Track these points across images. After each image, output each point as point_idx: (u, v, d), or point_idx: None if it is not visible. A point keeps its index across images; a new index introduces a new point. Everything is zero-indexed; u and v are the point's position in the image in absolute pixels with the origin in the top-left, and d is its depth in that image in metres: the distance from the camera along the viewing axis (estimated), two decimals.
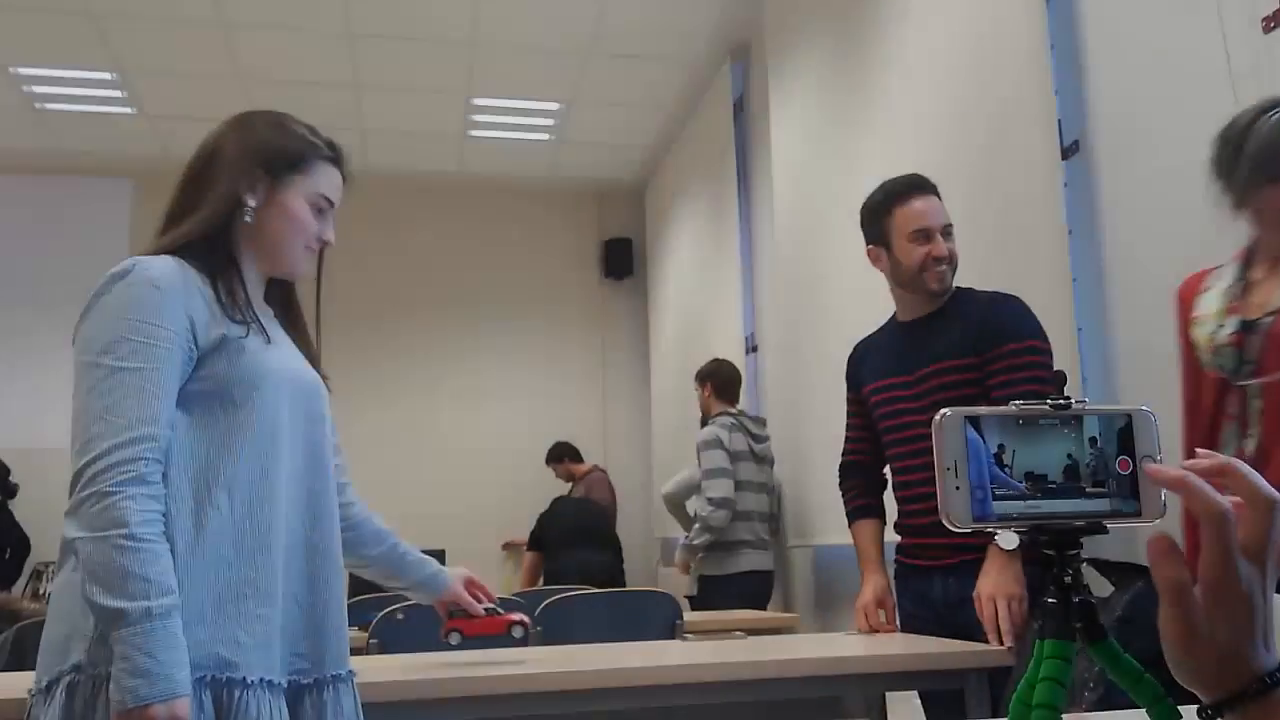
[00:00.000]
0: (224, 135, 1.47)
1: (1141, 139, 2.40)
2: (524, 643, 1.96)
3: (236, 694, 1.26)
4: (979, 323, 2.11)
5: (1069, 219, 2.51)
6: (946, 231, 2.19)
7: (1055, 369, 2.16)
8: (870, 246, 2.30)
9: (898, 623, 2.34)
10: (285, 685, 1.35)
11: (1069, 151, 2.60)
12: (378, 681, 1.83)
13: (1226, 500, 0.58)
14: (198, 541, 1.28)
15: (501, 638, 1.92)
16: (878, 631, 2.34)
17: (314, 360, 1.53)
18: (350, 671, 1.45)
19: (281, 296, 1.55)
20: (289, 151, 1.48)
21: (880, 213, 2.26)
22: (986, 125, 2.89)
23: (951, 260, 2.19)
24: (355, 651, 2.67)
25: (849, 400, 2.41)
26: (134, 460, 1.22)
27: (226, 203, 1.42)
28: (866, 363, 2.35)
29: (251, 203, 1.43)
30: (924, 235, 2.18)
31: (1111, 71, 2.52)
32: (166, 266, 1.33)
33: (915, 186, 2.23)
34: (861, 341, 2.42)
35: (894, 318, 2.34)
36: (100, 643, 1.21)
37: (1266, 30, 2.01)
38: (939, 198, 2.22)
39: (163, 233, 1.42)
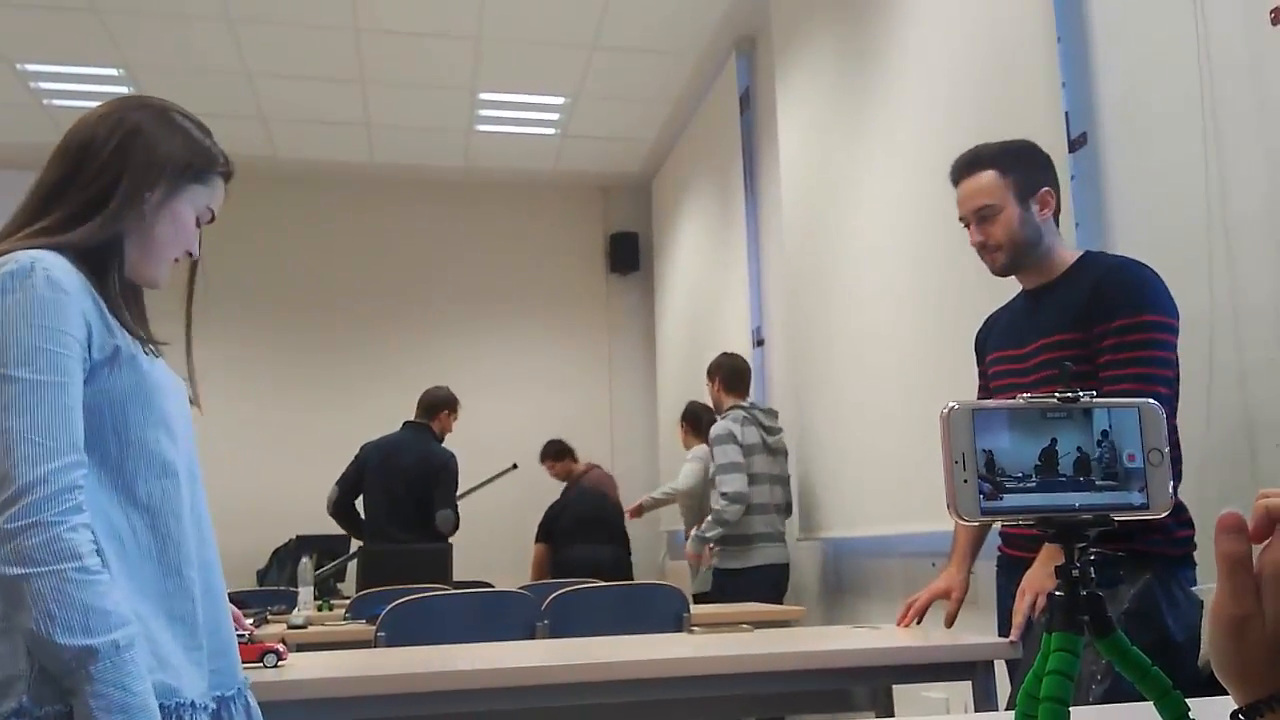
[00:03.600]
0: (130, 127, 1.34)
1: (1149, 132, 2.40)
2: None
3: (185, 718, 1.22)
4: (1090, 294, 1.90)
5: (1076, 212, 2.50)
6: (981, 215, 2.02)
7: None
8: None
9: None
10: (214, 705, 1.31)
11: (1076, 144, 2.59)
12: (385, 674, 1.84)
13: None
14: (112, 570, 1.19)
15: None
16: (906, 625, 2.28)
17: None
18: (245, 678, 1.41)
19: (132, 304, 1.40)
20: (195, 165, 1.38)
21: None
22: (993, 117, 2.88)
23: (997, 243, 2.02)
24: (363, 644, 2.69)
25: (978, 373, 2.25)
26: (72, 488, 1.14)
27: (133, 206, 1.30)
28: (993, 333, 2.19)
29: (149, 203, 1.32)
30: (964, 222, 2.08)
31: (1119, 64, 2.51)
32: (65, 266, 1.22)
33: (957, 169, 2.09)
34: (990, 315, 2.24)
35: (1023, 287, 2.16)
36: (43, 681, 1.13)
37: (1275, 22, 2.00)
38: (992, 168, 2.03)
39: (37, 215, 1.28)
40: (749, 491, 4.01)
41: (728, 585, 4.06)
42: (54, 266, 1.20)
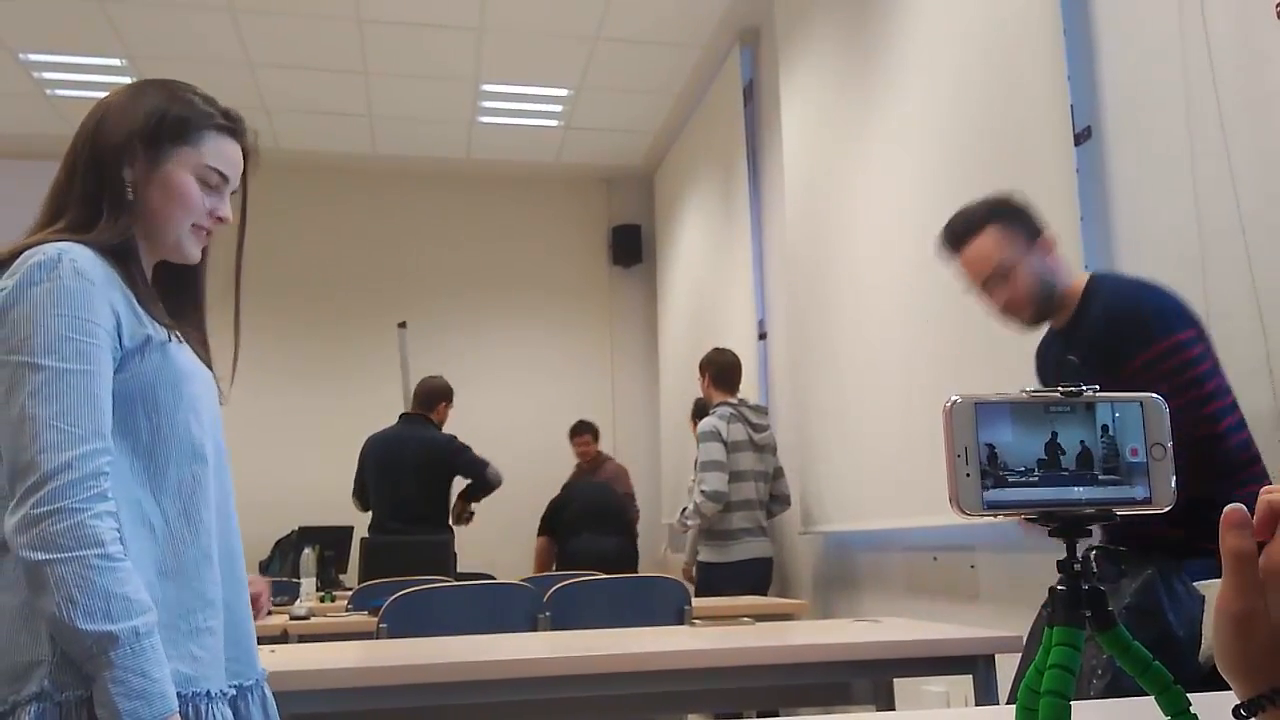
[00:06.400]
0: (108, 109, 1.33)
1: (1154, 125, 2.39)
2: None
3: (202, 708, 1.22)
4: (1101, 342, 1.85)
5: (1081, 205, 2.50)
6: (995, 277, 1.94)
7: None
8: None
9: None
10: (233, 693, 1.31)
11: (1081, 137, 2.58)
12: (387, 665, 1.84)
13: None
14: (138, 558, 1.20)
15: None
16: None
17: (203, 348, 1.42)
18: (264, 670, 1.41)
19: (177, 282, 1.40)
20: (169, 119, 1.32)
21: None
22: (999, 111, 2.87)
23: (1010, 308, 1.96)
24: (365, 635, 2.70)
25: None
26: (97, 475, 1.15)
27: (119, 192, 1.29)
28: (1047, 360, 2.11)
29: (129, 177, 1.29)
30: (973, 290, 2.01)
31: (1124, 57, 2.51)
32: (92, 258, 1.23)
33: (951, 239, 2.01)
34: (1045, 336, 2.13)
35: None
36: (64, 667, 1.14)
37: None
38: (991, 224, 1.95)
39: (54, 216, 1.29)
40: (729, 490, 4.10)
41: (711, 578, 4.14)
42: (81, 258, 1.21)
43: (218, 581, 1.29)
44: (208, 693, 1.24)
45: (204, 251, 1.42)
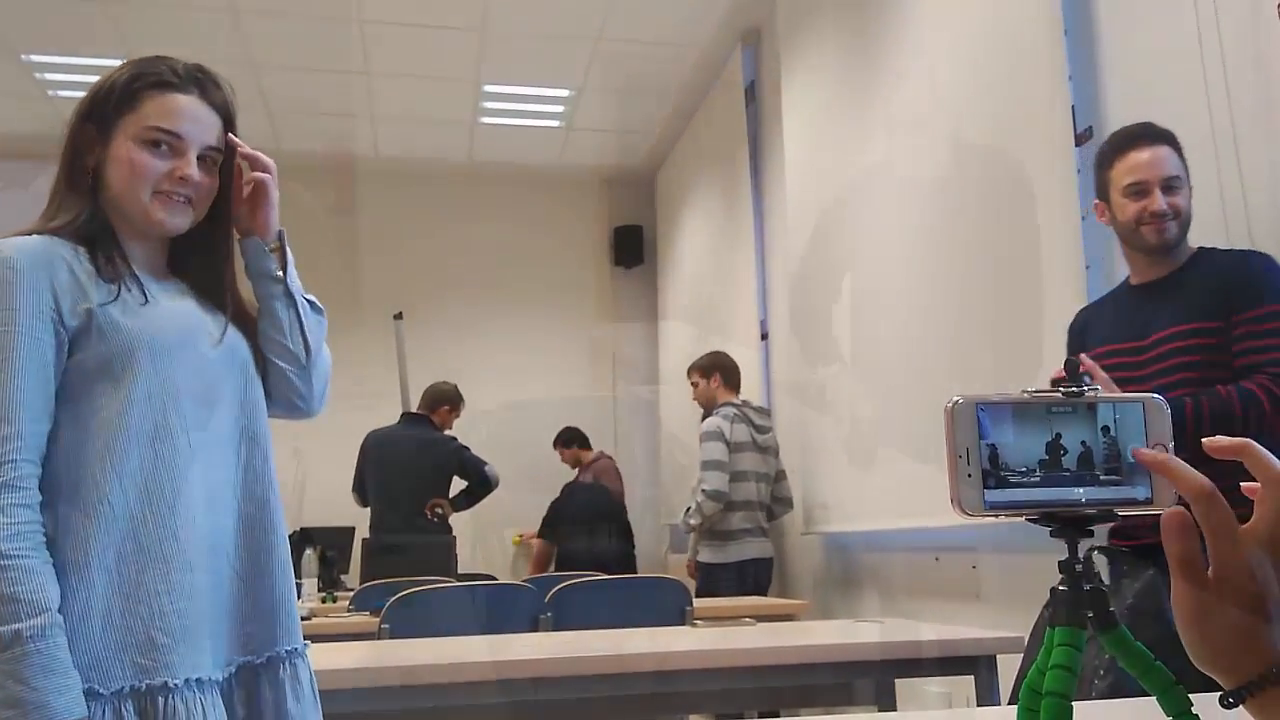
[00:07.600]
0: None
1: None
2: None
3: (161, 701, 1.16)
4: (1224, 281, 1.91)
5: (1083, 205, 2.49)
6: (1169, 185, 1.98)
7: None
8: (1095, 201, 2.12)
9: None
10: (234, 671, 1.27)
11: (1083, 138, 2.58)
12: (389, 666, 1.85)
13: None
14: (92, 543, 1.16)
15: None
16: None
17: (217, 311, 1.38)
18: (305, 643, 1.35)
19: (208, 259, 1.40)
20: (105, 93, 1.29)
21: (1102, 165, 2.08)
22: (1000, 111, 2.87)
23: (1177, 214, 1.99)
24: (367, 636, 2.70)
25: None
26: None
27: (72, 176, 1.30)
28: (1090, 329, 2.15)
29: (91, 162, 1.29)
30: (1140, 189, 2.01)
31: (1126, 57, 2.50)
32: (25, 245, 1.21)
33: (1138, 136, 2.04)
34: (1084, 309, 2.21)
35: (1125, 281, 2.13)
36: None
37: None
38: (1172, 146, 2.01)
39: (46, 211, 1.31)
40: (729, 490, 4.10)
41: (711, 579, 4.15)
42: (9, 249, 1.21)
43: (189, 561, 1.23)
44: (165, 684, 1.17)
45: (222, 223, 1.41)
